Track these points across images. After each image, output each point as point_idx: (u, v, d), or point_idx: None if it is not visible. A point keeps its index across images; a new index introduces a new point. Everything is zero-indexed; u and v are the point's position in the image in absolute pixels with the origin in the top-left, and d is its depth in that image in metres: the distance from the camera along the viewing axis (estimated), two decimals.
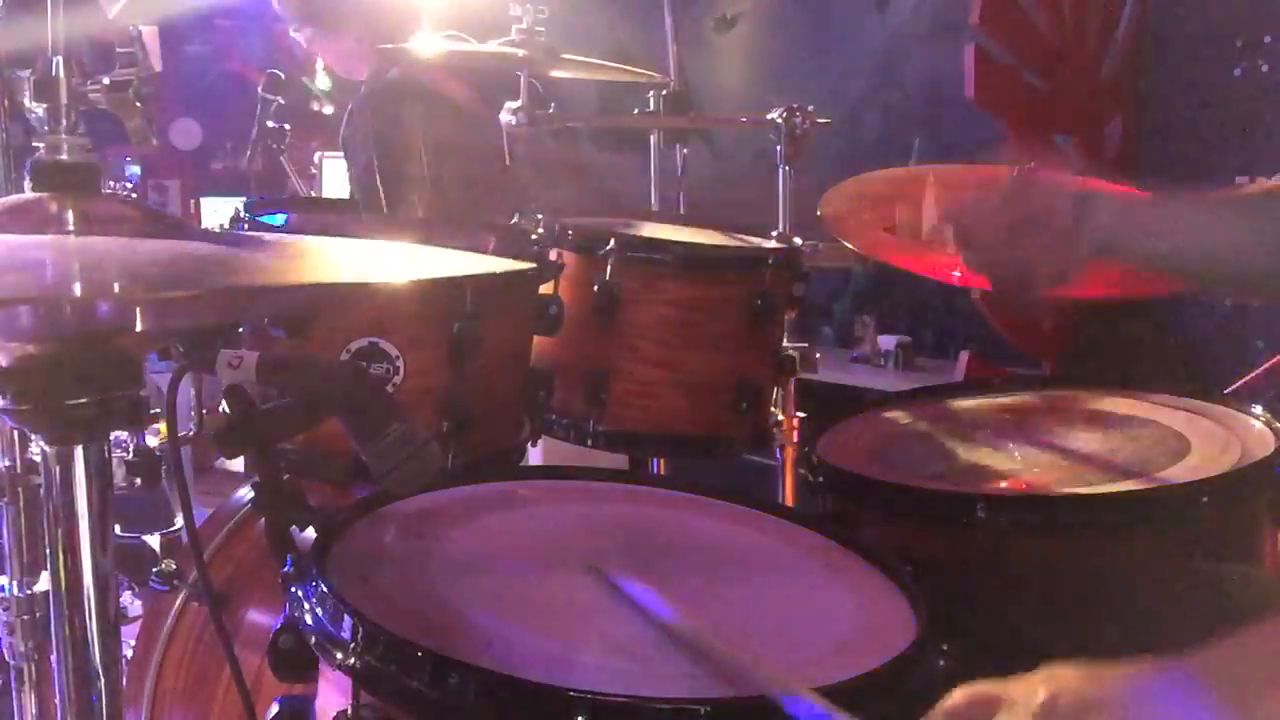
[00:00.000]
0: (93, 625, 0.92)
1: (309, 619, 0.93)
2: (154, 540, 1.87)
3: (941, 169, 1.82)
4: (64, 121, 0.92)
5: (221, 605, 1.48)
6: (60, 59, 0.92)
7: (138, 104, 1.04)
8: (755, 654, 0.94)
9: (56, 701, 0.95)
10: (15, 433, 1.51)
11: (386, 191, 2.58)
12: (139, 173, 5.56)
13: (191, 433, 1.58)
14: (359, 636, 0.87)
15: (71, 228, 0.89)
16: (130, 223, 0.92)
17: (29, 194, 0.92)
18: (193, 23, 5.80)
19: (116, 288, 0.77)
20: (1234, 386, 1.94)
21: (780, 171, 2.03)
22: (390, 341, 1.39)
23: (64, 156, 0.92)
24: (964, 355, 3.30)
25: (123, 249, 0.86)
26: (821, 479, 1.48)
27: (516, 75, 2.82)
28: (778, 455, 1.96)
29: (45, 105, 0.92)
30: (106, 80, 1.04)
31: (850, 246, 1.85)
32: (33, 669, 1.51)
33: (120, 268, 0.83)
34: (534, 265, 1.47)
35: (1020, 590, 1.27)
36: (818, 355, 1.89)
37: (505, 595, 1.01)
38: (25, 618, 1.51)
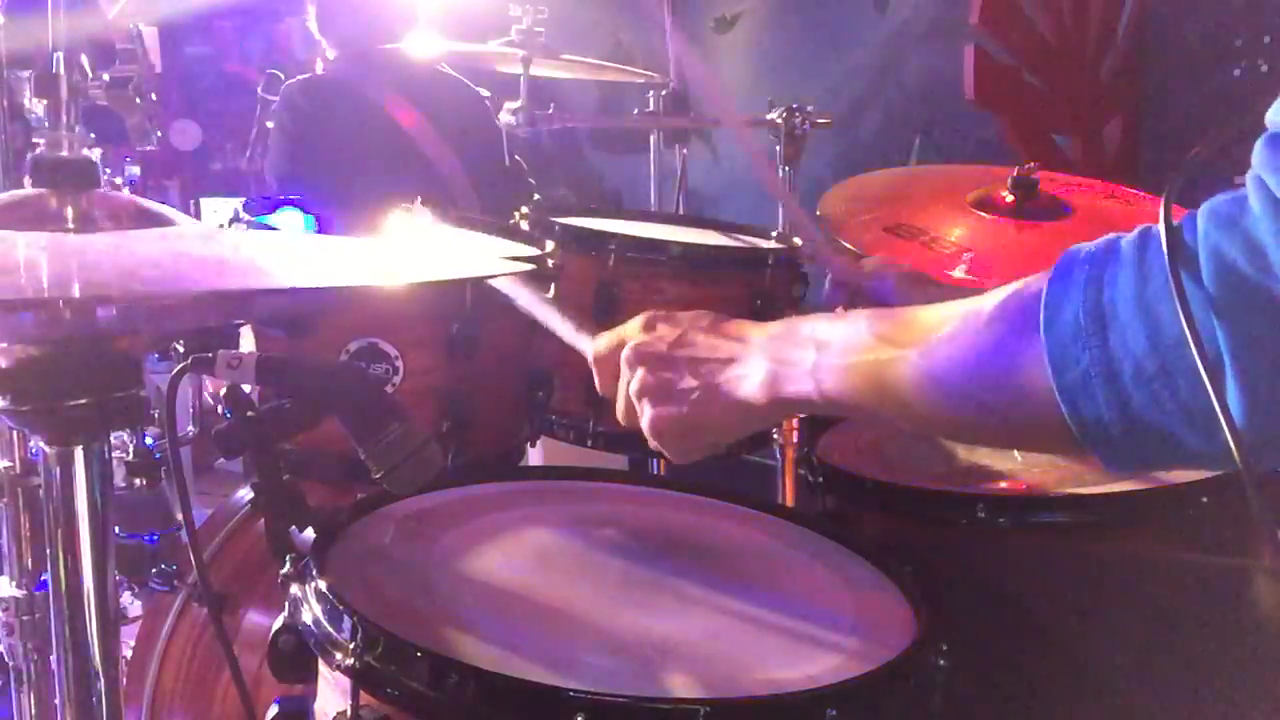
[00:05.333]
0: (93, 625, 0.92)
1: (308, 619, 0.93)
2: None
3: (941, 169, 1.82)
4: (64, 118, 0.92)
5: (221, 605, 1.48)
6: (61, 55, 0.92)
7: (137, 100, 1.04)
8: (755, 654, 0.94)
9: (56, 701, 0.95)
10: (15, 433, 1.50)
11: (305, 180, 2.72)
12: (139, 173, 5.56)
13: (191, 433, 1.58)
14: (358, 636, 0.87)
15: (71, 225, 0.89)
16: (128, 218, 0.92)
17: (28, 190, 0.92)
18: (193, 23, 5.81)
19: (114, 289, 0.77)
20: None
21: (780, 171, 2.03)
22: (390, 341, 1.39)
23: (64, 153, 0.92)
24: None
25: (120, 249, 0.86)
26: (821, 479, 1.48)
27: (473, 100, 2.91)
28: (778, 455, 1.96)
29: (45, 102, 0.92)
30: (107, 76, 1.04)
31: (850, 246, 1.85)
32: (33, 669, 1.51)
33: (118, 269, 0.83)
34: (534, 265, 1.47)
35: (1020, 590, 1.27)
36: None
37: (505, 595, 1.01)
38: (25, 618, 1.51)
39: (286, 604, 0.96)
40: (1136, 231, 0.69)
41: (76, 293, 0.73)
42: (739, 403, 0.94)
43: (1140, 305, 0.67)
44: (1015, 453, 1.55)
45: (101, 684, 0.93)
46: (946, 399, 0.79)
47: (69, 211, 0.90)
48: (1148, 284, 0.66)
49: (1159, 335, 0.65)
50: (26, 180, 0.93)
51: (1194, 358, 0.63)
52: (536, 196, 2.94)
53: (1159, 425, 0.67)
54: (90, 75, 0.97)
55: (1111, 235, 0.71)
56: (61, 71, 0.92)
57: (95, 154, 0.93)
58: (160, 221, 0.94)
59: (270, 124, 3.03)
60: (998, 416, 0.77)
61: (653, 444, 1.02)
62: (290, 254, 1.00)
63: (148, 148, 1.20)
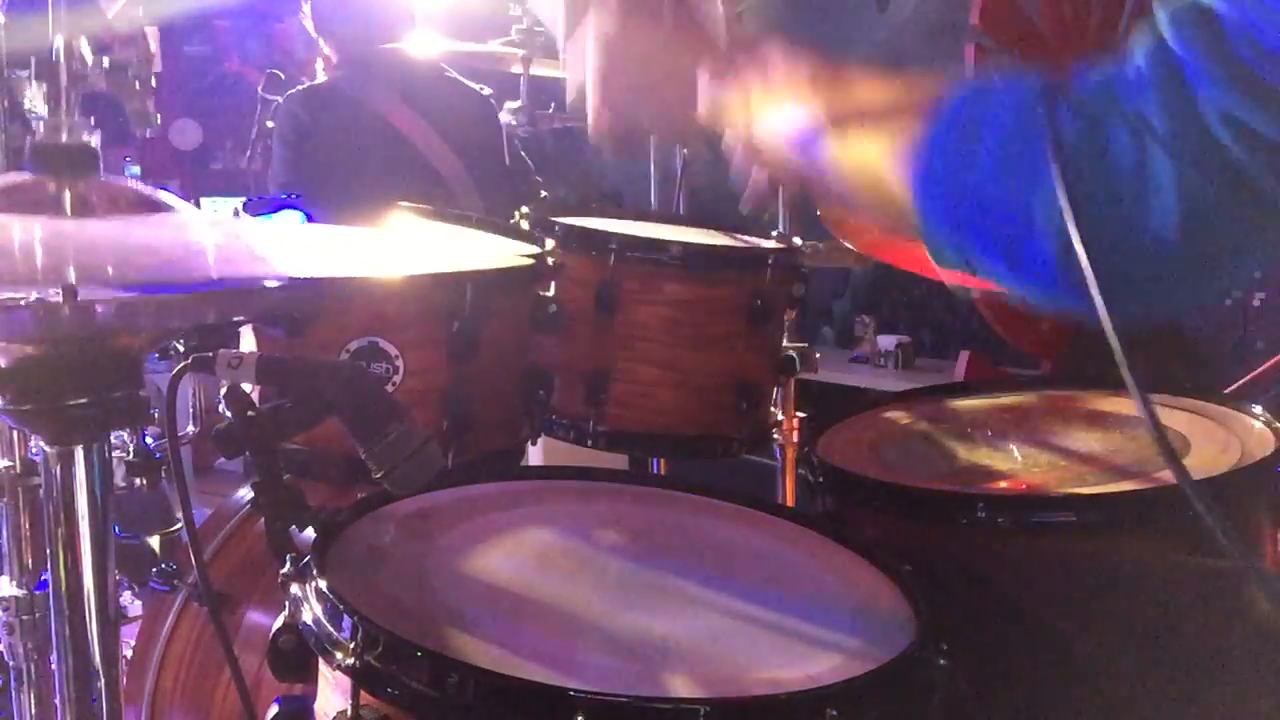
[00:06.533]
0: (93, 625, 0.92)
1: (308, 619, 0.93)
2: (154, 540, 1.86)
3: None
4: (64, 104, 0.92)
5: (221, 605, 1.48)
6: (61, 39, 0.92)
7: (137, 85, 1.04)
8: (755, 654, 0.94)
9: (56, 701, 0.95)
10: (15, 433, 1.50)
11: (307, 185, 2.76)
12: (139, 173, 5.57)
13: (191, 433, 1.58)
14: (359, 636, 0.87)
15: (68, 211, 0.89)
16: (126, 205, 0.92)
17: (26, 175, 0.91)
18: (193, 23, 5.81)
19: (110, 271, 0.77)
20: (1237, 385, 1.94)
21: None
22: (390, 341, 1.39)
23: (64, 138, 0.92)
24: (964, 355, 3.30)
25: (117, 235, 0.86)
26: (821, 479, 1.47)
27: (474, 99, 2.94)
28: (778, 455, 1.96)
29: (45, 89, 0.92)
30: (106, 62, 1.04)
31: (850, 246, 1.85)
32: (33, 669, 1.51)
33: (115, 255, 0.83)
34: (534, 264, 1.47)
35: (1020, 590, 1.27)
36: (818, 355, 1.89)
37: (505, 595, 1.01)
38: (25, 618, 1.51)
39: (286, 604, 0.96)
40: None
41: (73, 278, 0.73)
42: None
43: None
44: (1015, 452, 1.55)
45: (101, 684, 0.93)
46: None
47: (67, 197, 0.90)
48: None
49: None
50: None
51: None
52: (544, 194, 2.95)
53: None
54: (89, 62, 0.97)
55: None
56: (61, 59, 0.91)
57: (95, 139, 0.93)
58: (158, 208, 0.94)
59: (270, 124, 3.05)
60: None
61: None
62: (290, 245, 1.00)
63: (148, 133, 1.20)
